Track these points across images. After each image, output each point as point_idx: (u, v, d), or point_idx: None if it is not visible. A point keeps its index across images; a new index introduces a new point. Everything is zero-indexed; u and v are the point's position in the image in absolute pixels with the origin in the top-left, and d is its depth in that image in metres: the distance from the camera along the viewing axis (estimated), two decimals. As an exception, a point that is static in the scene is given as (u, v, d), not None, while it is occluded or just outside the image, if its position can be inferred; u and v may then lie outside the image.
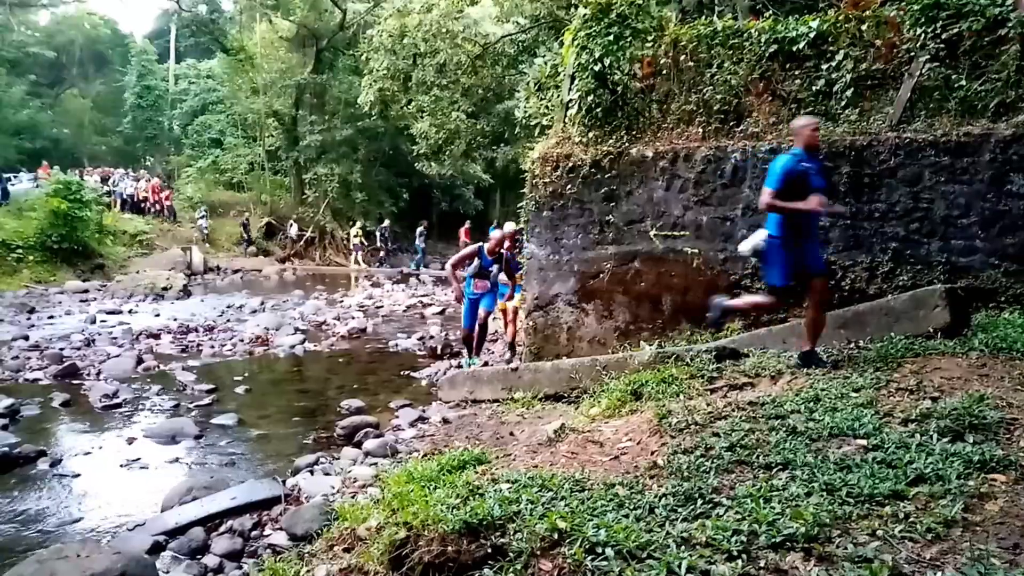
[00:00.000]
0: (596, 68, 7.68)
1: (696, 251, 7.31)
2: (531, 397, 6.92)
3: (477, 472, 4.53)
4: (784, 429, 3.95)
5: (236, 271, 26.42)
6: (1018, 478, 3.13)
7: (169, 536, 4.62)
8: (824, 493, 3.09)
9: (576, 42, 7.91)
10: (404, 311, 15.95)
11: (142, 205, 29.87)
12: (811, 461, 3.44)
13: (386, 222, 31.13)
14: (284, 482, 5.42)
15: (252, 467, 6.10)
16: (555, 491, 3.59)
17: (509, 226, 8.79)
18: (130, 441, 6.74)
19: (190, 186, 33.82)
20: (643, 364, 6.27)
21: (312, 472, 5.70)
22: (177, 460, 6.26)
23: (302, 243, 31.52)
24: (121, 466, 6.11)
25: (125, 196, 29.71)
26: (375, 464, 5.79)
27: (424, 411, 7.45)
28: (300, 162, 32.73)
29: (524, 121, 10.81)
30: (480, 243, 8.81)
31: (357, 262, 29.12)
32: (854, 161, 6.56)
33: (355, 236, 29.35)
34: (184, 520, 4.75)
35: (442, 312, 15.59)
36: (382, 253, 30.70)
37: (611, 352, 7.76)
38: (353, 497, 4.99)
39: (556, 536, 2.98)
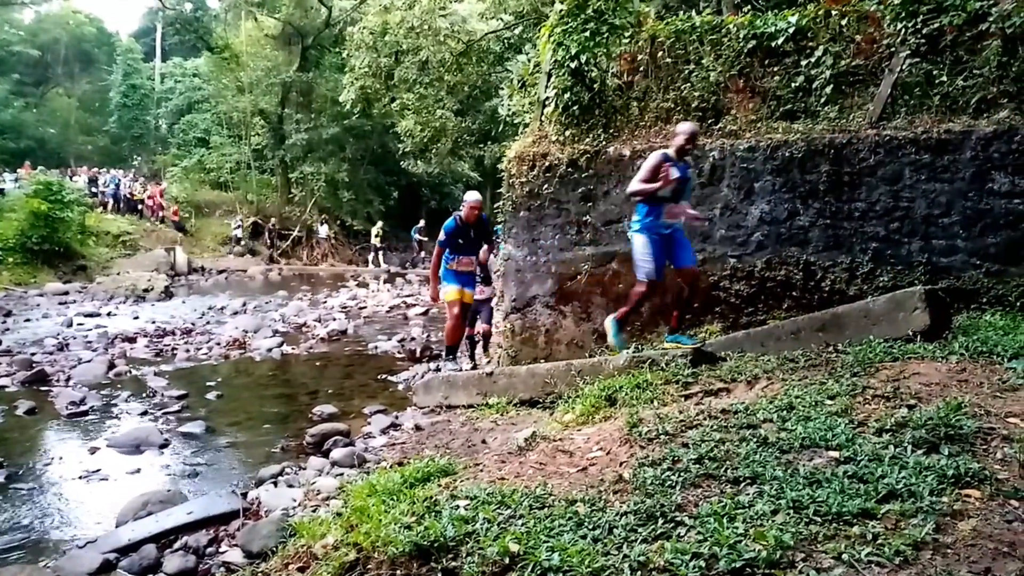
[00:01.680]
0: (572, 65, 7.52)
1: (674, 252, 7.15)
2: (506, 403, 6.75)
3: (441, 485, 4.37)
4: (755, 440, 3.81)
5: (221, 271, 26.18)
6: (992, 494, 2.99)
7: (120, 554, 4.44)
8: (791, 511, 2.94)
9: (552, 38, 7.74)
10: (387, 312, 15.77)
11: (139, 207, 29.57)
12: (780, 475, 3.29)
13: (380, 223, 30.93)
14: (245, 495, 5.25)
15: (215, 478, 5.92)
16: (514, 508, 3.44)
17: (474, 194, 7.70)
18: (92, 451, 6.55)
19: (175, 185, 33.48)
20: (618, 369, 6.11)
21: (276, 484, 5.52)
22: (139, 471, 6.07)
23: (289, 243, 31.31)
24: (80, 478, 5.92)
25: (121, 197, 29.39)
26: (341, 475, 5.62)
27: (397, 417, 7.29)
28: (286, 161, 32.48)
29: (508, 119, 10.66)
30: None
31: (377, 263, 28.94)
32: (834, 159, 6.42)
33: (375, 236, 29.04)
34: (137, 537, 4.57)
35: (425, 313, 15.42)
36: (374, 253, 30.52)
37: (589, 355, 7.61)
38: (314, 511, 4.83)
39: (508, 560, 2.83)
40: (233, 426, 7.39)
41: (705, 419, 4.37)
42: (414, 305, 16.49)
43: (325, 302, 17.35)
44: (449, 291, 7.48)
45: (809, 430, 3.77)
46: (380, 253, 29.48)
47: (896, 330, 5.41)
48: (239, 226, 30.07)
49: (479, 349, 9.12)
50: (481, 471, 4.71)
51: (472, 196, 7.58)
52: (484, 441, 6.13)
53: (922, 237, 6.19)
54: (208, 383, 9.04)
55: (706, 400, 5.22)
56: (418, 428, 6.76)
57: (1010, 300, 5.81)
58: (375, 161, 33.99)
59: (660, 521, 3.01)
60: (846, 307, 5.71)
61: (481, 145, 24.38)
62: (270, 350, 11.01)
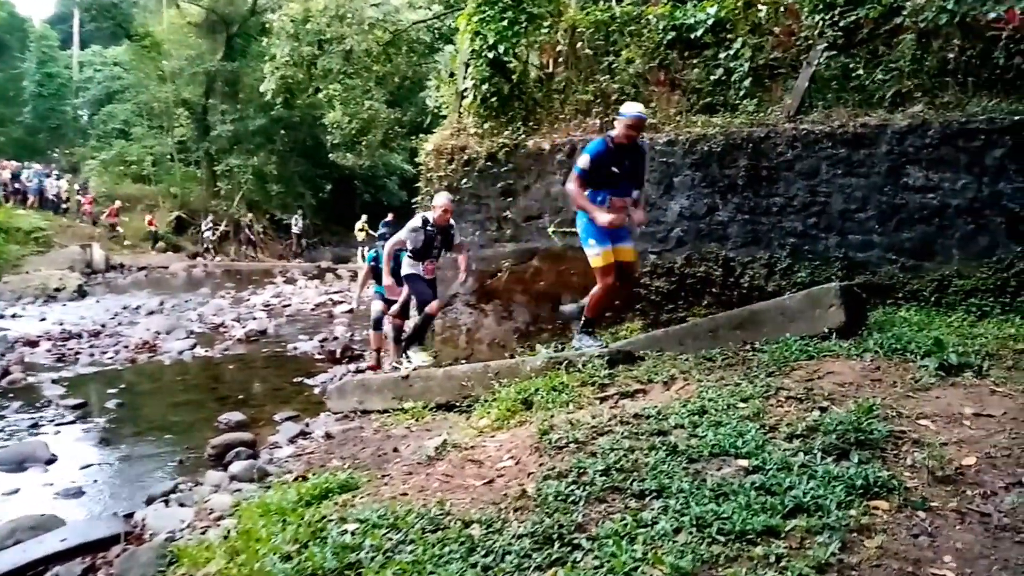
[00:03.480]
0: (490, 55, 7.26)
1: (595, 248, 6.98)
2: (422, 407, 6.46)
3: (338, 504, 4.10)
4: (664, 448, 3.63)
5: (142, 268, 25.06)
6: (900, 505, 2.87)
7: (-21, 590, 4.01)
8: (694, 529, 2.77)
9: (470, 27, 7.47)
10: (312, 310, 15.24)
11: (63, 206, 28.12)
12: (686, 488, 3.12)
13: (298, 213, 30.13)
14: (131, 516, 4.85)
15: (102, 498, 5.47)
16: (405, 532, 3.19)
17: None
18: (-33, 471, 6.01)
19: (94, 179, 31.98)
20: (535, 370, 5.90)
21: (167, 502, 5.12)
22: (17, 491, 5.58)
23: (216, 237, 30.29)
24: (-50, 501, 5.41)
25: (44, 193, 27.88)
26: (240, 490, 5.25)
27: (308, 425, 6.93)
28: (211, 153, 31.34)
29: (436, 111, 10.35)
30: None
31: (363, 257, 27.89)
32: (752, 154, 6.32)
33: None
34: (1, 569, 4.14)
35: (351, 311, 14.95)
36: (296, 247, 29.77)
37: (510, 355, 7.39)
38: (204, 533, 4.46)
39: (387, 597, 2.57)
40: (132, 437, 6.92)
41: (617, 425, 4.20)
42: (341, 302, 16.00)
43: (248, 300, 16.72)
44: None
45: (719, 436, 3.62)
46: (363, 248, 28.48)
47: (812, 327, 5.32)
48: (210, 228, 29.01)
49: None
50: (385, 485, 4.46)
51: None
52: (396, 449, 5.84)
53: (839, 232, 6.14)
54: (110, 390, 8.47)
55: (622, 403, 5.06)
56: (328, 436, 6.42)
57: (925, 295, 5.81)
58: (306, 153, 33.07)
59: (557, 544, 2.81)
60: (763, 305, 5.61)
61: (413, 137, 23.84)
62: (181, 353, 10.45)
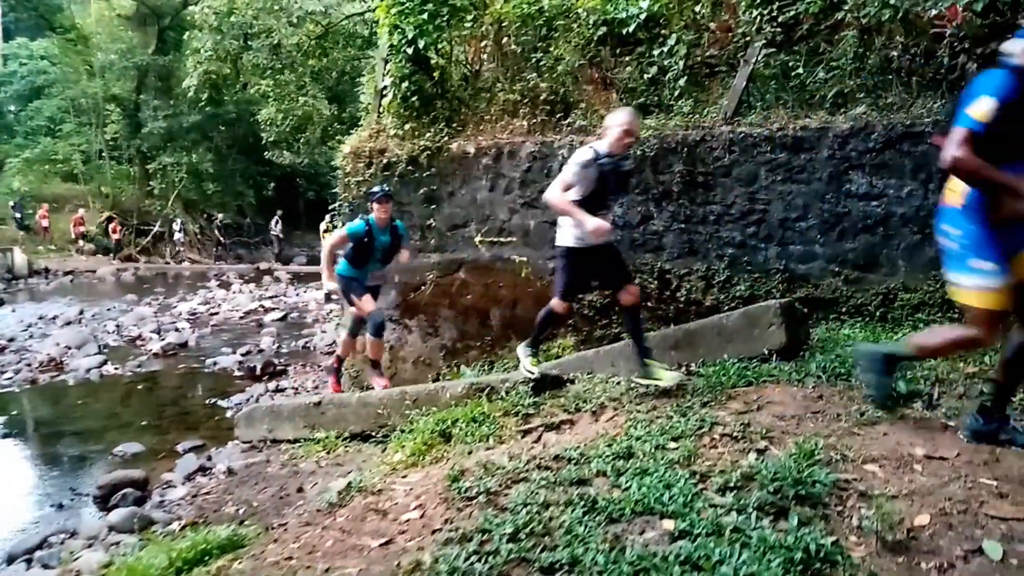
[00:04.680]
0: (409, 51, 6.71)
1: (524, 259, 6.50)
2: (335, 437, 5.92)
3: (211, 573, 3.54)
4: (583, 503, 3.17)
5: (68, 273, 23.76)
6: (845, 584, 2.44)
7: None
8: (605, 625, 2.30)
9: (388, 20, 6.90)
10: (241, 318, 14.43)
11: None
12: (602, 561, 2.65)
13: (278, 214, 29.07)
14: (-19, 583, 4.20)
15: (-45, 557, 4.78)
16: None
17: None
18: None
19: (17, 178, 30.32)
20: (456, 397, 5.40)
21: (29, 562, 4.48)
22: None
23: (150, 239, 29.04)
24: None
25: None
26: (118, 543, 4.63)
27: (211, 458, 6.29)
28: (144, 151, 30.01)
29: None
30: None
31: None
32: (687, 158, 5.90)
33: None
34: None
35: (283, 318, 14.24)
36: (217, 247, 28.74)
37: (436, 375, 6.89)
38: (62, 604, 3.86)
39: None
40: (10, 476, 6.19)
41: (534, 470, 3.74)
42: (273, 309, 15.24)
43: (175, 307, 15.82)
44: None
45: (644, 489, 3.17)
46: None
47: (751, 348, 4.94)
48: (181, 230, 27.91)
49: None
50: (274, 542, 3.92)
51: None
52: (300, 489, 5.29)
53: (779, 243, 5.76)
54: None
55: (546, 436, 4.62)
56: (230, 472, 5.82)
57: (869, 309, 5.47)
58: (246, 150, 31.89)
59: (438, 650, 2.31)
60: (699, 323, 5.20)
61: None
62: (89, 371, 9.64)
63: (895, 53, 5.71)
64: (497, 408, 5.03)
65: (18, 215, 26.52)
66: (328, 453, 5.76)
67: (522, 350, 5.16)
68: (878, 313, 5.42)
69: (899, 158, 5.39)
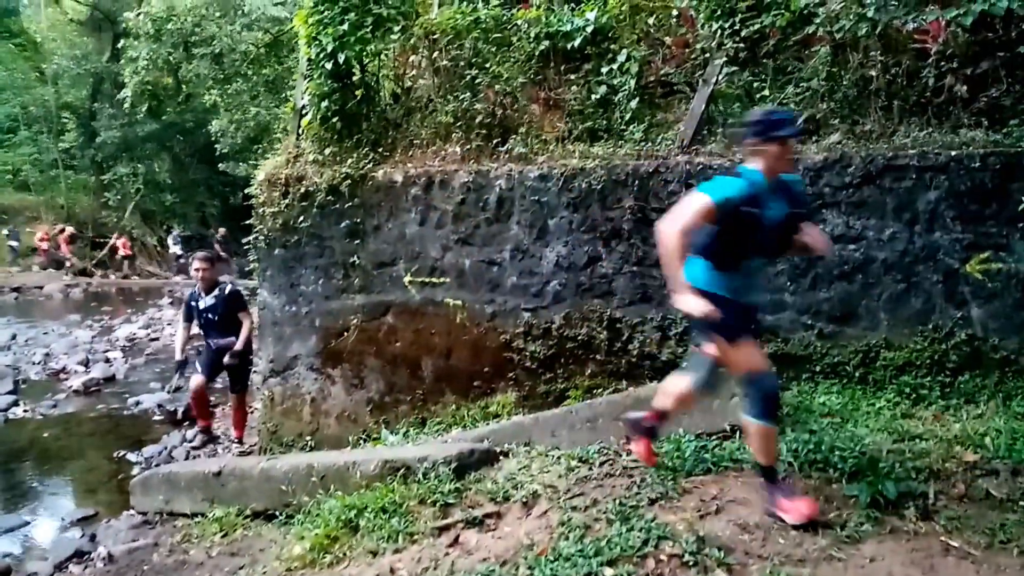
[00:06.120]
0: (329, 65, 5.92)
1: (459, 303, 5.72)
2: (236, 515, 5.10)
3: None
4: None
5: (14, 290, 22.56)
6: None
7: None
8: None
9: (307, 31, 6.11)
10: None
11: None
12: None
13: (176, 228, 28.04)
14: None
15: None
16: None
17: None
18: None
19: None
20: (367, 477, 4.61)
21: None
22: None
23: (106, 251, 27.86)
24: None
25: None
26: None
27: (95, 536, 5.43)
28: (98, 161, 28.86)
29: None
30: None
31: None
32: (639, 192, 5.16)
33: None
34: None
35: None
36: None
37: (362, 432, 6.11)
38: None
39: None
40: None
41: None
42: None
43: (116, 329, 14.83)
44: None
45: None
46: None
47: (711, 422, 4.22)
48: (178, 242, 26.84)
49: None
50: None
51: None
52: (185, 588, 4.49)
53: (745, 289, 5.03)
54: None
55: (465, 535, 3.86)
56: (110, 559, 4.96)
57: (847, 369, 4.74)
58: (208, 160, 30.76)
59: None
60: (650, 388, 4.44)
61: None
62: (-6, 414, 8.71)
63: (873, 73, 5.01)
64: (412, 494, 4.25)
65: (15, 243, 25.47)
66: (225, 536, 4.93)
67: None
68: (857, 374, 4.70)
69: (880, 195, 4.69)
